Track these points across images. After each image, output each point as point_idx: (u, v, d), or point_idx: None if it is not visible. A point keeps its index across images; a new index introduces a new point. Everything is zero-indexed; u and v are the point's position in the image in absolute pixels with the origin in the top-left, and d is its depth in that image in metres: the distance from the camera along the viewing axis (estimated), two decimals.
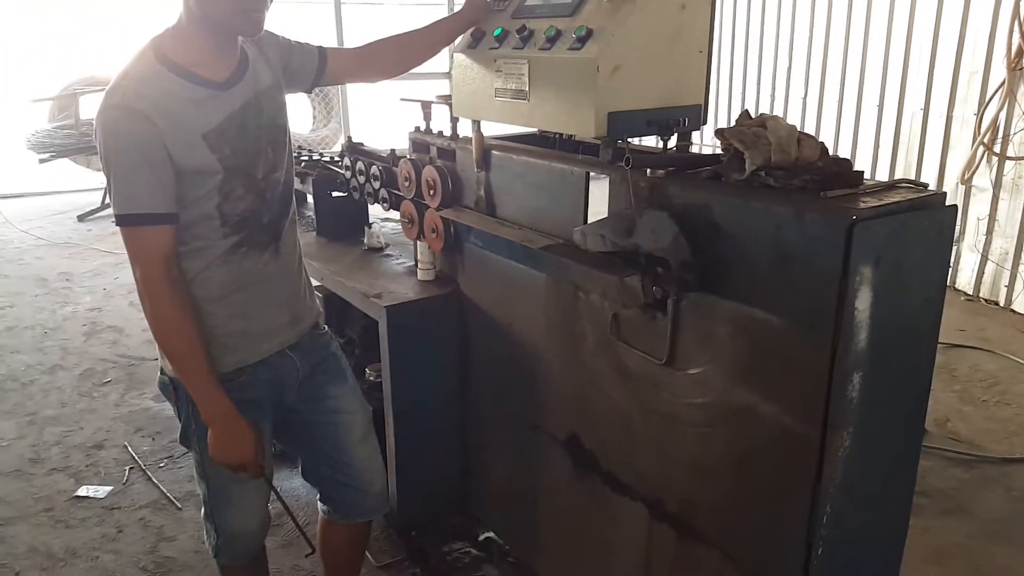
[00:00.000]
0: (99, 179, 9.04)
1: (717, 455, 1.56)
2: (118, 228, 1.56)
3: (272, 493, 1.89)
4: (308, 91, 2.01)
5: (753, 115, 1.46)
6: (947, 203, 1.39)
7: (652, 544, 1.80)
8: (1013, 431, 3.40)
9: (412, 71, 2.09)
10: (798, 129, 1.43)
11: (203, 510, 1.93)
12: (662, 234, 1.48)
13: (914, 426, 1.52)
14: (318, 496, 2.06)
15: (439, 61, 2.26)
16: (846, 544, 1.46)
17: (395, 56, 2.01)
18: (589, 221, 1.75)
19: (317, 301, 1.96)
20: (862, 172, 1.40)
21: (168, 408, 3.72)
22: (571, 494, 2.07)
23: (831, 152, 1.47)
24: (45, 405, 3.83)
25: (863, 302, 1.27)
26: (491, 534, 2.67)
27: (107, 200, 7.79)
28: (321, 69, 1.90)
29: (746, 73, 6.81)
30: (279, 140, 1.72)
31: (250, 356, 1.74)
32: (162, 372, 1.77)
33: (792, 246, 1.32)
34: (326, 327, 1.97)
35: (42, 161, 8.02)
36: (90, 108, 8.78)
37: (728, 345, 1.48)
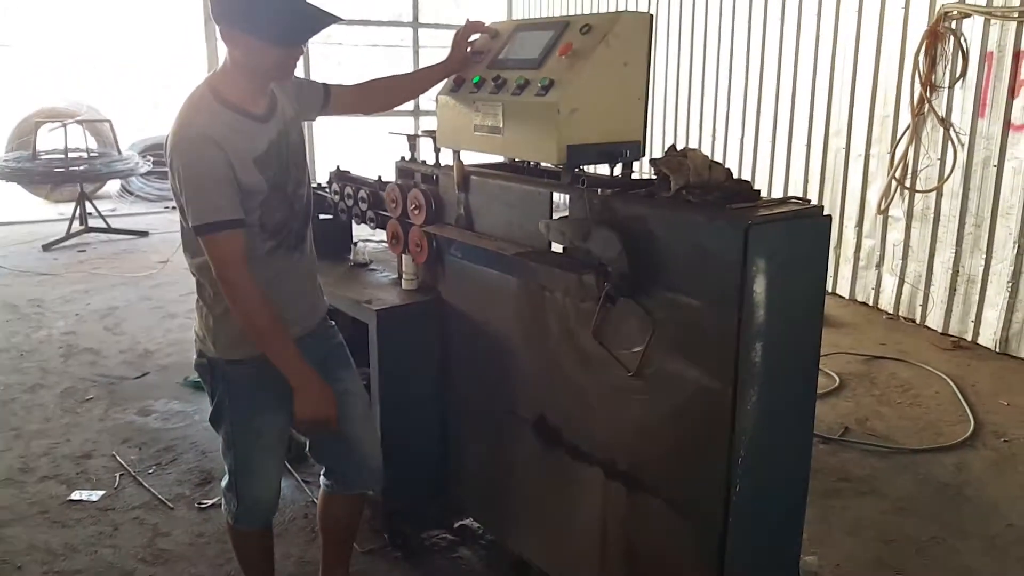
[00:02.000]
0: (59, 210, 9.16)
1: (656, 416, 1.94)
2: (201, 237, 1.86)
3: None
4: (313, 120, 2.36)
5: (678, 148, 1.88)
6: (824, 214, 1.82)
7: (607, 501, 2.15)
8: (922, 427, 3.85)
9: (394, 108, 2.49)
10: (711, 158, 1.86)
11: (225, 481, 2.21)
12: (609, 248, 1.87)
13: (808, 384, 1.94)
14: (322, 472, 2.38)
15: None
16: (758, 482, 1.83)
17: (387, 94, 2.41)
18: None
19: (325, 299, 2.31)
20: (759, 190, 1.83)
21: (152, 420, 3.99)
22: (538, 469, 2.41)
23: (738, 176, 1.90)
24: (29, 421, 3.95)
25: (759, 287, 1.68)
26: (467, 521, 2.98)
27: (71, 230, 7.86)
28: (325, 102, 2.26)
29: (689, 115, 7.35)
30: (301, 162, 2.08)
31: None
32: (200, 355, 2.09)
33: (706, 245, 1.73)
34: (333, 321, 2.31)
35: None
36: (48, 139, 8.91)
37: (662, 325, 1.87)
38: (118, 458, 3.56)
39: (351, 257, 3.19)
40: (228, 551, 2.54)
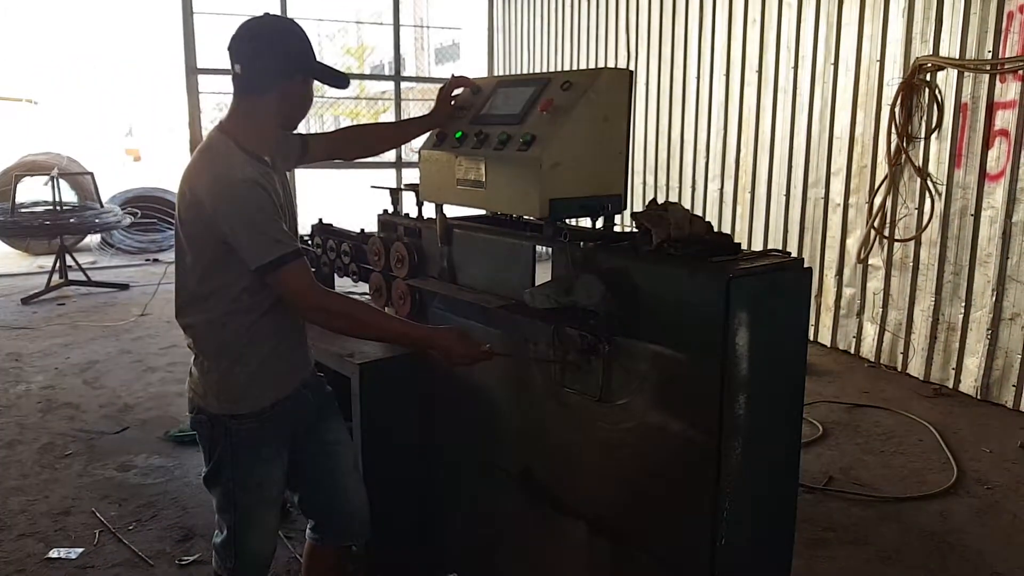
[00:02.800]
0: (39, 263, 9.11)
1: (640, 469, 1.94)
2: (276, 271, 1.86)
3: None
4: (291, 170, 2.37)
5: (659, 202, 1.92)
6: (804, 266, 1.84)
7: (592, 555, 2.13)
8: (906, 475, 3.85)
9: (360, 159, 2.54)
10: (692, 212, 1.89)
11: (221, 539, 2.16)
12: (593, 292, 1.89)
13: (792, 434, 1.94)
14: (310, 525, 2.34)
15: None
16: (744, 534, 1.83)
17: (364, 143, 2.46)
18: (536, 284, 2.15)
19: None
20: (739, 243, 1.86)
21: (132, 476, 3.92)
22: (523, 523, 2.39)
23: (720, 229, 1.93)
24: (6, 477, 3.88)
25: (742, 339, 1.69)
26: None
27: (51, 283, 7.81)
28: (303, 152, 2.29)
29: (669, 168, 7.47)
30: (295, 210, 2.11)
31: (284, 390, 2.07)
32: (199, 411, 2.06)
33: (688, 297, 1.75)
34: (321, 373, 2.31)
35: None
36: (27, 189, 8.89)
37: (646, 378, 1.87)
38: (98, 514, 3.50)
39: None
40: None
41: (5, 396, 5.04)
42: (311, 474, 2.24)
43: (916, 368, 5.21)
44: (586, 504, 2.13)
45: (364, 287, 2.93)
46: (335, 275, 3.20)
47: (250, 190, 1.85)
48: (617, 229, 2.18)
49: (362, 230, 3.01)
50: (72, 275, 8.11)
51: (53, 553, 3.21)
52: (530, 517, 2.35)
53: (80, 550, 3.23)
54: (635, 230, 1.95)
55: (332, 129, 2.47)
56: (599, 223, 2.19)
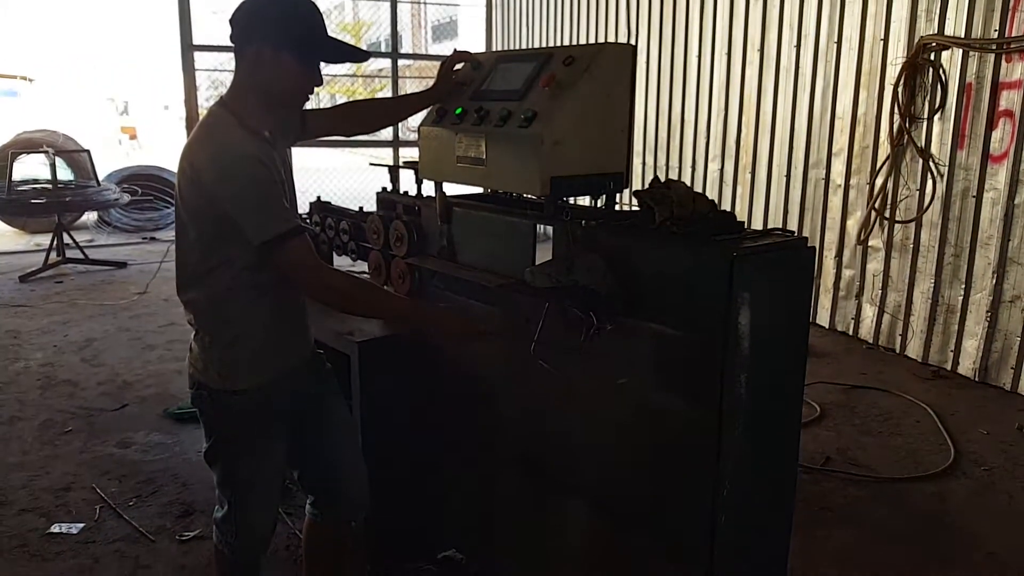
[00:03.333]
0: (36, 240, 9.08)
1: (641, 449, 1.94)
2: (278, 248, 1.84)
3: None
4: (292, 145, 2.33)
5: (662, 180, 1.90)
6: (807, 245, 1.83)
7: (591, 533, 2.14)
8: (902, 456, 3.86)
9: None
10: (695, 190, 1.87)
11: (221, 514, 2.17)
12: (595, 271, 1.87)
13: (792, 415, 1.94)
14: (309, 501, 2.35)
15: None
16: (743, 513, 1.83)
17: (363, 118, 2.43)
18: (537, 263, 2.14)
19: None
20: (743, 222, 1.84)
21: (132, 452, 3.94)
22: (522, 501, 2.40)
23: (723, 208, 1.91)
24: (7, 453, 3.89)
25: (744, 318, 1.68)
26: (450, 552, 2.96)
27: (48, 261, 7.80)
28: (303, 128, 2.25)
29: (669, 147, 7.44)
30: (295, 187, 2.09)
31: (284, 366, 2.07)
32: (199, 387, 2.05)
33: (691, 277, 1.74)
34: (321, 350, 2.30)
35: None
36: (24, 166, 8.85)
37: (647, 358, 1.87)
38: (98, 490, 3.52)
39: None
40: None
41: (4, 373, 5.05)
42: (310, 450, 2.25)
43: (914, 350, 5.21)
44: (586, 483, 2.14)
45: (363, 266, 2.92)
46: (334, 253, 3.18)
47: (251, 166, 1.83)
48: (619, 208, 2.16)
49: (361, 208, 2.99)
50: (70, 253, 8.08)
51: (55, 528, 3.23)
52: (529, 495, 2.35)
53: (81, 525, 3.26)
54: (637, 209, 1.93)
55: (328, 107, 2.41)
56: (600, 202, 2.17)
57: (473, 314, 2.41)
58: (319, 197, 3.26)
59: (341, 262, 3.30)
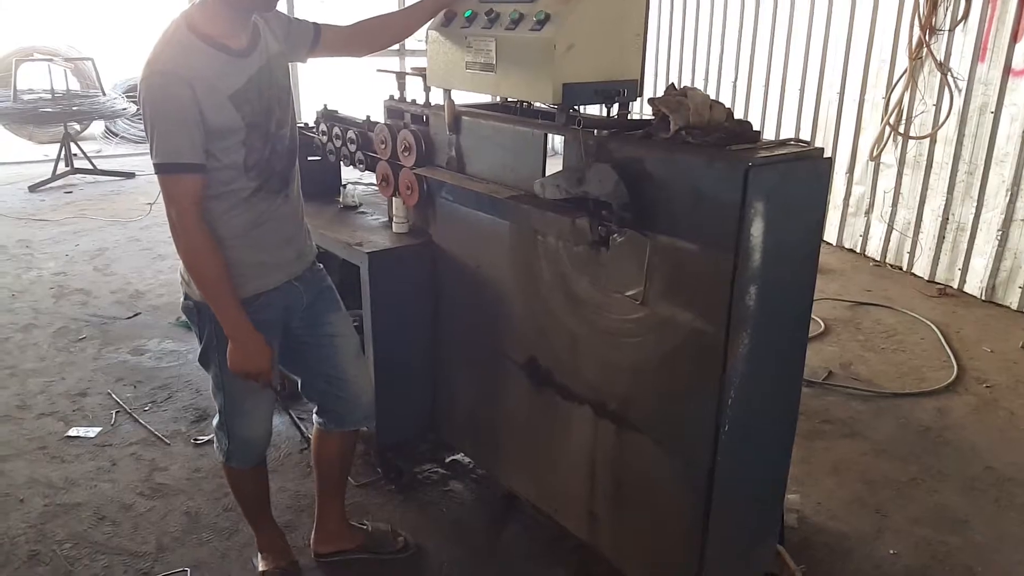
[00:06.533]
0: (44, 151, 9.02)
1: (647, 358, 1.96)
2: (157, 175, 1.83)
3: (278, 405, 2.21)
4: (303, 61, 2.28)
5: (678, 87, 1.85)
6: (824, 156, 1.80)
7: (597, 439, 2.19)
8: (905, 372, 3.90)
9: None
10: (711, 97, 1.83)
11: (216, 420, 2.23)
12: (606, 182, 1.85)
13: (800, 328, 1.95)
14: (315, 410, 2.40)
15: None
16: (747, 422, 1.87)
17: (379, 34, 2.33)
18: (547, 174, 2.11)
19: (314, 242, 2.30)
20: (760, 131, 1.80)
21: (146, 360, 4.01)
22: (529, 407, 2.45)
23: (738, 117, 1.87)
24: (24, 360, 3.98)
25: (757, 229, 1.67)
26: (457, 456, 3.04)
27: (57, 171, 7.78)
28: (315, 42, 2.19)
29: (682, 58, 7.25)
30: (285, 99, 2.02)
31: (265, 284, 2.05)
32: (187, 298, 2.07)
33: (704, 187, 1.72)
34: (321, 265, 2.30)
35: None
36: (28, 78, 8.70)
37: (656, 269, 1.87)
38: (114, 396, 3.60)
39: (340, 199, 3.16)
40: (225, 485, 2.58)
41: (19, 282, 5.11)
42: (309, 363, 2.27)
43: (922, 268, 5.20)
44: (592, 390, 2.17)
45: (371, 176, 2.89)
46: (341, 164, 3.14)
47: (168, 85, 1.77)
48: (632, 117, 2.11)
49: (368, 117, 2.93)
50: (78, 163, 8.03)
51: (72, 432, 3.33)
52: (536, 401, 2.40)
53: (98, 429, 3.35)
54: (651, 118, 1.89)
55: (342, 24, 2.32)
56: (614, 110, 2.12)
57: (482, 227, 2.40)
58: (325, 105, 3.19)
59: (349, 173, 3.26)
